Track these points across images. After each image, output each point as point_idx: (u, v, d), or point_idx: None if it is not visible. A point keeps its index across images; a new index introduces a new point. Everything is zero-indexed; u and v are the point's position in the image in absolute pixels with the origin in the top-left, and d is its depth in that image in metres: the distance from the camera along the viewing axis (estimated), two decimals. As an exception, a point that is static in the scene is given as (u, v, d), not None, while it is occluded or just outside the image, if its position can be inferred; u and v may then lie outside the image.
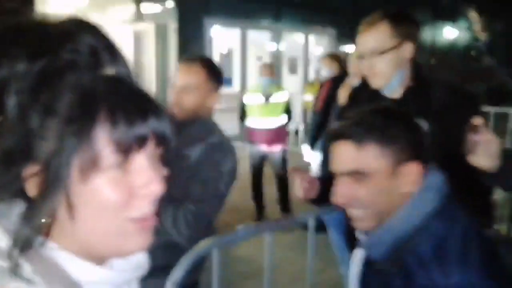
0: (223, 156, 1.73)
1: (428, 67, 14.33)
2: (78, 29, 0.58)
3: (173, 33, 8.73)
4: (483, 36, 14.85)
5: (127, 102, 0.55)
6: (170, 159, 0.62)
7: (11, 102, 0.52)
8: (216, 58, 9.57)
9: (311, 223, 1.90)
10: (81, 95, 0.53)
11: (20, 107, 0.52)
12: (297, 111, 8.36)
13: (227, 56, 9.91)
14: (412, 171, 1.09)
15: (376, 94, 1.69)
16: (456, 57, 14.76)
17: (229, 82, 10.00)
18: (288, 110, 5.16)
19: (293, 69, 11.14)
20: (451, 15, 14.70)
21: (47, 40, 0.55)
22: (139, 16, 9.19)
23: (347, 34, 11.72)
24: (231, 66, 10.03)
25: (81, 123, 0.52)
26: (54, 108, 0.52)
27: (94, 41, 0.58)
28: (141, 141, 0.55)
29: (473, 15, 14.55)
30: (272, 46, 10.27)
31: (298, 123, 7.99)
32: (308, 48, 11.08)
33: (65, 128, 0.52)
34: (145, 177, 0.57)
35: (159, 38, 8.80)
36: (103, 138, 0.53)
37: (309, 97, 6.32)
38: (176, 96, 1.79)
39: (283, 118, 5.10)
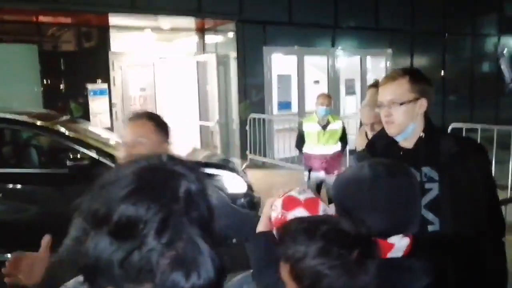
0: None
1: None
2: (179, 176, 0.68)
3: (234, 61, 9.25)
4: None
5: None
6: None
7: (147, 244, 0.63)
8: (274, 83, 9.94)
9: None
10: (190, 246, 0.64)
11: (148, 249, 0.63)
12: (354, 132, 8.47)
13: (285, 80, 10.25)
14: None
15: (391, 144, 1.86)
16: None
17: (288, 105, 10.31)
18: (343, 137, 5.39)
19: (350, 91, 11.28)
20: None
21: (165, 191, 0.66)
22: (202, 47, 9.84)
23: (404, 54, 11.77)
24: (289, 90, 10.34)
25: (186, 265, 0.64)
26: (179, 258, 0.63)
27: (191, 186, 0.68)
28: None
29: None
30: (329, 69, 10.54)
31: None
32: (365, 69, 11.23)
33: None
34: None
35: (221, 66, 9.34)
36: None
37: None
38: (127, 152, 1.75)
39: (339, 145, 5.38)
